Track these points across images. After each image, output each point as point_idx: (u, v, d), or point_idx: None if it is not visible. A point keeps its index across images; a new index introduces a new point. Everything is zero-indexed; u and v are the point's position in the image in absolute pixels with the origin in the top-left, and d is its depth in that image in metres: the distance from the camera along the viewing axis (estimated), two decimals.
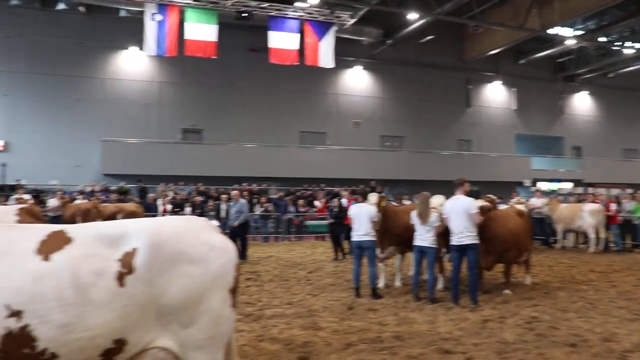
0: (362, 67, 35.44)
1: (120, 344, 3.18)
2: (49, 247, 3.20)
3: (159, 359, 3.31)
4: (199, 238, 3.51)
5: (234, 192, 17.68)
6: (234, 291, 3.57)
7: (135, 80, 30.73)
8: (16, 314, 2.96)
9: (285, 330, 7.61)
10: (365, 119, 35.31)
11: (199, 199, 23.96)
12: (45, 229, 3.36)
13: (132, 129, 29.42)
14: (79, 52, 29.44)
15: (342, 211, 17.08)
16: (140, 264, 3.26)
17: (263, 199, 25.01)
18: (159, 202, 23.10)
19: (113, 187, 26.22)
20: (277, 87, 32.57)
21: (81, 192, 24.23)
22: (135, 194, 25.92)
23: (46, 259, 3.13)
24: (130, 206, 20.16)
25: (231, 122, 31.62)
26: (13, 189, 24.08)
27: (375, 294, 10.29)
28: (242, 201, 17.07)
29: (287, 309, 9.24)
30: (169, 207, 22.37)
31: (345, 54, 32.29)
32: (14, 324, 2.94)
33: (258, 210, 24.14)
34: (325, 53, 26.82)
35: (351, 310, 9.18)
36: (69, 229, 3.39)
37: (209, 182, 27.10)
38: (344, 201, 18.82)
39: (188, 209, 22.26)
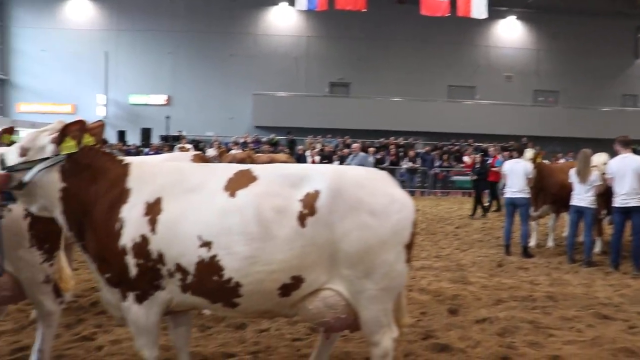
0: (515, 17, 33.47)
1: (297, 281, 3.31)
2: (235, 184, 3.39)
3: (331, 300, 3.38)
4: (380, 189, 3.48)
5: (355, 145, 17.62)
6: (409, 247, 3.50)
7: (285, 35, 31.60)
8: (206, 244, 3.23)
9: (434, 282, 7.64)
10: (517, 72, 33.47)
11: (347, 151, 24.40)
12: (233, 168, 3.61)
13: (281, 83, 30.46)
14: (233, 8, 30.76)
15: (485, 167, 16.59)
16: (321, 206, 3.29)
17: (411, 153, 24.91)
18: (308, 153, 23.88)
19: (264, 139, 27.51)
20: (425, 40, 31.79)
21: (235, 143, 25.74)
22: (285, 145, 26.99)
23: (233, 195, 3.34)
24: (281, 156, 21.08)
25: (378, 75, 31.54)
26: (176, 139, 26.18)
27: (527, 252, 9.96)
28: (362, 154, 16.90)
29: (435, 261, 9.25)
30: (317, 158, 23.04)
31: (498, 3, 30.57)
32: (205, 253, 3.22)
33: (405, 165, 24.11)
34: (478, 3, 25.58)
35: (501, 267, 8.99)
36: (254, 168, 3.61)
37: (356, 135, 27.48)
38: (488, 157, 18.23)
39: (336, 162, 22.77)
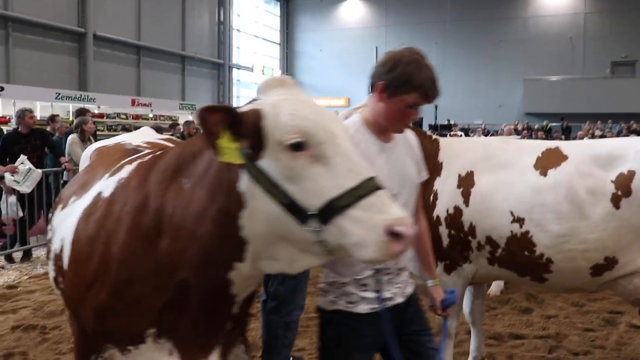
0: None
1: (610, 262, 3.20)
2: (545, 162, 3.38)
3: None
4: None
5: None
6: None
7: (558, 14, 29.66)
8: (519, 220, 3.28)
9: None
10: None
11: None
12: (542, 146, 3.55)
13: (555, 66, 28.73)
14: None
15: None
16: (637, 186, 3.16)
17: None
18: (586, 140, 22.10)
19: (536, 126, 26.19)
20: None
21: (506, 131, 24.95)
22: (559, 132, 25.35)
23: (544, 173, 3.33)
24: None
25: None
26: (445, 127, 26.37)
27: None
28: None
29: None
30: None
31: None
32: (517, 228, 3.28)
33: None
34: None
35: None
36: (564, 146, 3.49)
37: None
38: None
39: None
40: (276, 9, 35.78)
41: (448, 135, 22.02)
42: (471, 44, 30.59)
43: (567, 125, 25.69)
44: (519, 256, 3.32)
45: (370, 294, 2.13)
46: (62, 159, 8.23)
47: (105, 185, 2.08)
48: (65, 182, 7.88)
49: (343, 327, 2.16)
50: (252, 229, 1.68)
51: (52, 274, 2.31)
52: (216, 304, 1.87)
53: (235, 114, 1.63)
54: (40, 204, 8.10)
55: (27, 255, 7.91)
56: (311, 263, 1.74)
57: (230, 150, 1.61)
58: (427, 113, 29.80)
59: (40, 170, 7.68)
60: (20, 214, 7.67)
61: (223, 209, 1.70)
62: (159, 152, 2.11)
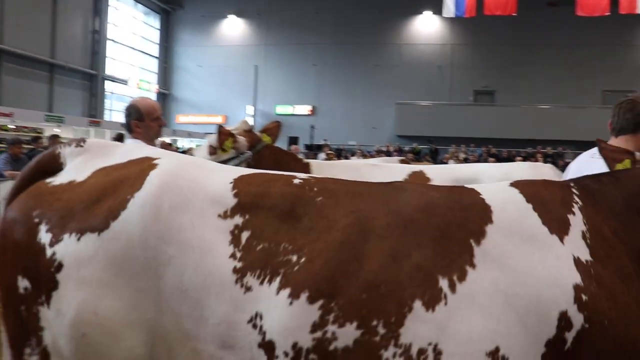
0: None
1: None
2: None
3: None
4: None
5: None
6: None
7: (429, 43, 31.44)
8: None
9: None
10: None
11: (492, 160, 23.70)
12: (408, 169, 3.70)
13: (425, 92, 30.29)
14: (378, 20, 31.16)
15: None
16: None
17: (560, 163, 23.64)
18: (451, 162, 23.49)
19: (406, 148, 27.46)
20: (578, 43, 29.89)
21: (378, 152, 25.93)
22: (427, 155, 26.75)
23: None
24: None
25: (525, 82, 30.29)
26: (320, 147, 26.91)
27: None
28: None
29: None
30: None
31: None
32: None
33: None
34: None
35: None
36: (428, 170, 3.65)
37: (501, 145, 26.57)
38: None
39: None
40: (155, 22, 34.80)
41: (320, 155, 22.52)
42: (348, 66, 31.53)
43: (435, 148, 27.20)
44: None
45: None
46: None
47: None
48: None
49: None
50: None
51: None
52: None
53: None
54: None
55: None
56: None
57: None
58: (304, 133, 30.41)
59: None
60: None
61: None
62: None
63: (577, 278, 1.63)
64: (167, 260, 1.63)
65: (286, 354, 1.52)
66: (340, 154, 25.57)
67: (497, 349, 1.54)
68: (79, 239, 1.66)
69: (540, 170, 3.99)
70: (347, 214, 1.67)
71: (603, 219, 1.78)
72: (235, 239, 1.65)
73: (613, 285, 1.66)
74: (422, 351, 1.52)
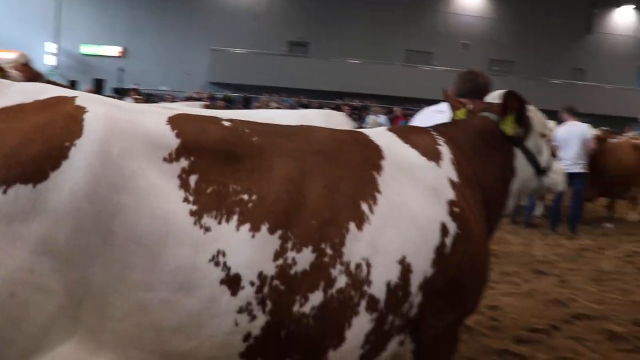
0: None
1: None
2: None
3: None
4: None
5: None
6: None
7: None
8: None
9: None
10: (475, 40, 33.85)
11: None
12: (203, 113, 3.68)
13: (240, 40, 30.01)
14: None
15: None
16: None
17: (364, 115, 25.15)
18: (248, 111, 23.75)
19: (219, 95, 27.19)
20: (386, 2, 31.68)
21: (188, 98, 25.32)
22: (240, 103, 26.76)
23: None
24: None
25: (337, 36, 31.41)
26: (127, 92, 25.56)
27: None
28: None
29: None
30: None
31: None
32: None
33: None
34: None
35: None
36: (223, 115, 3.64)
37: (312, 96, 27.45)
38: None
39: None
40: None
41: (127, 99, 21.47)
42: (164, 7, 30.07)
43: (247, 97, 27.29)
44: None
45: None
46: None
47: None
48: None
49: None
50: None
51: None
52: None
53: (524, 107, 2.68)
54: None
55: None
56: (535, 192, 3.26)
57: (510, 126, 2.61)
58: (112, 76, 28.61)
59: None
60: None
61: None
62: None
63: (451, 195, 2.17)
64: (119, 210, 1.55)
65: (252, 284, 1.66)
66: (149, 99, 24.53)
67: (404, 258, 1.95)
68: (4, 192, 1.45)
69: (333, 118, 4.18)
70: (281, 153, 1.86)
71: (459, 153, 2.38)
72: (184, 183, 1.66)
73: (469, 199, 2.26)
74: (358, 266, 1.83)
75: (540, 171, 2.80)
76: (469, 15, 33.82)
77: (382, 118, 20.18)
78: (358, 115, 25.23)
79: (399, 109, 22.33)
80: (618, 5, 36.03)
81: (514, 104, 2.60)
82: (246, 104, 26.34)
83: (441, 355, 2.30)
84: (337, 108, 25.77)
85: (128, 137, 1.62)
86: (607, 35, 36.08)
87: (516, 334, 4.67)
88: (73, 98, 1.66)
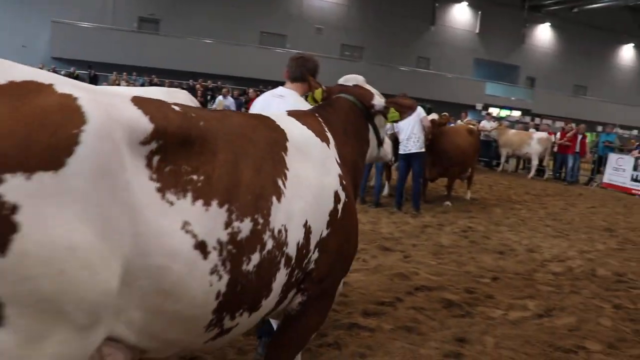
0: None
1: None
2: None
3: None
4: None
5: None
6: None
7: None
8: None
9: None
10: (328, 25, 34.71)
11: None
12: None
13: (86, 13, 28.16)
14: None
15: None
16: None
17: (217, 95, 24.85)
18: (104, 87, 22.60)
19: (62, 72, 25.34)
20: None
21: None
22: (86, 81, 25.17)
23: None
24: None
25: (190, 15, 30.59)
26: None
27: None
28: None
29: None
30: None
31: None
32: None
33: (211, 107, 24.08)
34: None
35: None
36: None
37: (163, 75, 26.53)
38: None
39: None
40: None
41: None
42: None
43: (94, 74, 25.73)
44: None
45: None
46: None
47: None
48: None
49: None
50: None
51: None
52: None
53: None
54: None
55: None
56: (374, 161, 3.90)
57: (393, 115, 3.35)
58: None
59: None
60: None
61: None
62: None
63: (339, 169, 2.72)
64: (125, 186, 1.73)
65: (215, 248, 1.97)
66: None
67: (306, 222, 2.40)
68: (29, 178, 1.49)
69: (174, 95, 4.17)
70: (220, 137, 2.12)
71: (337, 138, 2.90)
72: (149, 163, 1.85)
73: (346, 176, 2.77)
74: (280, 231, 2.24)
75: (380, 143, 3.45)
76: (323, 0, 34.53)
77: (230, 100, 20.46)
78: (211, 95, 24.90)
79: (252, 90, 22.35)
80: (457, 2, 38.88)
81: (410, 105, 3.43)
82: (94, 82, 24.85)
83: (322, 308, 2.78)
84: (191, 88, 25.23)
85: (120, 122, 1.77)
86: (448, 28, 38.82)
87: (364, 307, 4.95)
88: (51, 82, 1.67)
